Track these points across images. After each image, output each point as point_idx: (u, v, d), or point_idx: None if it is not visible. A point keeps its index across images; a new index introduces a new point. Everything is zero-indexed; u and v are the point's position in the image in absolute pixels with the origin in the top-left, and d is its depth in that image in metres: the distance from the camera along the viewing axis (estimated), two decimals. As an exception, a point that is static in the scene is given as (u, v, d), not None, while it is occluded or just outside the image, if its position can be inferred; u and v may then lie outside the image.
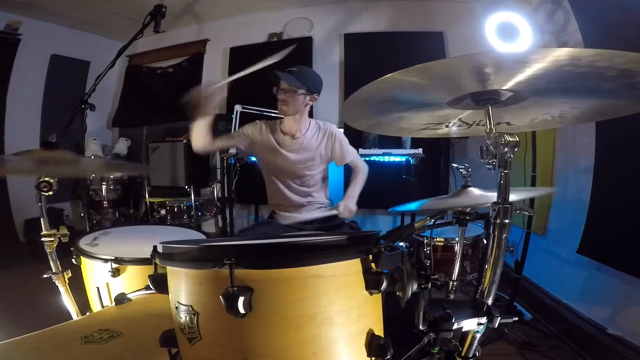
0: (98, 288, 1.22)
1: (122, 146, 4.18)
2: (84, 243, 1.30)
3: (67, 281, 1.27)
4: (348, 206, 1.70)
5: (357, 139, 3.00)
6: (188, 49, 4.21)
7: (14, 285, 2.62)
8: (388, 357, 0.63)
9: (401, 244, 1.05)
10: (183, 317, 0.64)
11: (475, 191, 1.16)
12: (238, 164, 3.31)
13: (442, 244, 2.02)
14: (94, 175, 3.74)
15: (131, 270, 1.19)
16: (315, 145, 1.85)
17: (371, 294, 0.64)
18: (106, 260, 1.17)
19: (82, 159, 1.13)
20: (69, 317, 1.28)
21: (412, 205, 1.27)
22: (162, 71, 4.36)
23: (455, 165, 1.34)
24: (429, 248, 2.02)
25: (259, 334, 0.59)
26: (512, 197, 0.80)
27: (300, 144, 1.82)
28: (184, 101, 1.42)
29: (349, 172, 1.96)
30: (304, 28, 3.78)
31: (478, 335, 0.82)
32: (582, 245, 1.94)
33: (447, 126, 1.04)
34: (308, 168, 1.84)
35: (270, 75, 1.64)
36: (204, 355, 0.63)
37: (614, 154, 1.84)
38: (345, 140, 1.89)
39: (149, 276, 0.73)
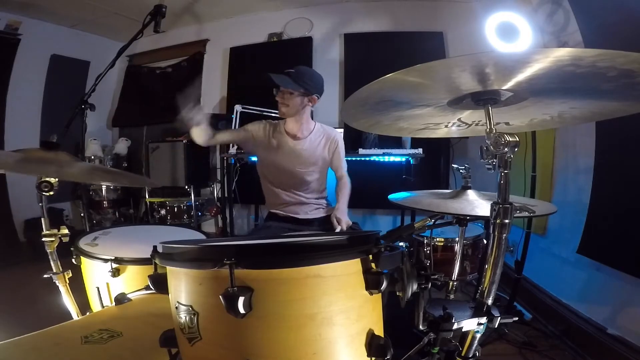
0: (98, 288, 1.22)
1: (122, 146, 4.19)
2: (84, 243, 1.30)
3: (68, 281, 1.27)
4: (347, 221, 1.73)
5: (357, 139, 3.01)
6: (188, 49, 4.21)
7: (14, 285, 2.62)
8: (388, 357, 0.63)
9: (401, 244, 1.05)
10: (183, 317, 0.64)
11: (474, 196, 1.14)
12: (238, 164, 3.32)
13: (442, 244, 2.03)
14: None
15: (131, 270, 1.19)
16: (318, 149, 1.85)
17: (371, 294, 0.64)
18: (106, 260, 1.17)
19: (78, 163, 1.12)
20: (69, 317, 1.28)
21: (409, 194, 1.26)
22: (162, 71, 4.36)
23: (455, 165, 1.33)
24: (429, 248, 2.02)
25: (259, 334, 0.58)
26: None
27: (302, 146, 1.82)
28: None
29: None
30: (304, 28, 3.78)
31: (478, 335, 0.82)
32: (582, 245, 1.94)
33: (446, 126, 1.04)
34: (309, 170, 1.84)
35: (266, 78, 1.66)
36: (204, 355, 0.63)
37: (614, 154, 1.84)
38: (344, 152, 1.93)
39: (149, 276, 0.73)
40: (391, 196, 1.26)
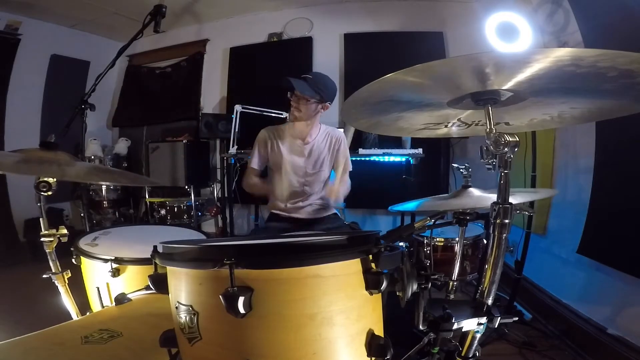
0: (98, 288, 1.22)
1: (122, 146, 4.19)
2: (84, 243, 1.30)
3: (67, 281, 1.27)
4: (337, 197, 1.74)
5: (357, 139, 3.00)
6: (188, 49, 4.21)
7: (14, 285, 2.62)
8: (388, 357, 0.63)
9: (401, 244, 1.05)
10: (183, 317, 0.64)
11: (475, 192, 1.16)
12: (238, 164, 3.31)
13: (442, 244, 2.02)
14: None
15: (131, 270, 1.19)
16: (324, 150, 1.88)
17: (371, 294, 0.64)
18: (106, 260, 1.17)
19: (77, 163, 1.12)
20: (69, 317, 1.28)
21: (411, 204, 1.27)
22: (161, 71, 4.36)
23: (455, 165, 1.34)
24: (429, 248, 2.02)
25: (259, 334, 0.58)
26: (514, 199, 0.80)
27: (310, 149, 1.85)
28: None
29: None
30: (304, 28, 3.78)
31: (478, 335, 0.82)
32: (582, 245, 1.94)
33: (446, 126, 1.04)
34: (315, 171, 1.87)
35: (284, 81, 1.66)
36: (204, 355, 0.63)
37: (614, 154, 1.84)
38: (347, 151, 1.94)
39: (149, 276, 0.73)
40: (391, 207, 1.26)
